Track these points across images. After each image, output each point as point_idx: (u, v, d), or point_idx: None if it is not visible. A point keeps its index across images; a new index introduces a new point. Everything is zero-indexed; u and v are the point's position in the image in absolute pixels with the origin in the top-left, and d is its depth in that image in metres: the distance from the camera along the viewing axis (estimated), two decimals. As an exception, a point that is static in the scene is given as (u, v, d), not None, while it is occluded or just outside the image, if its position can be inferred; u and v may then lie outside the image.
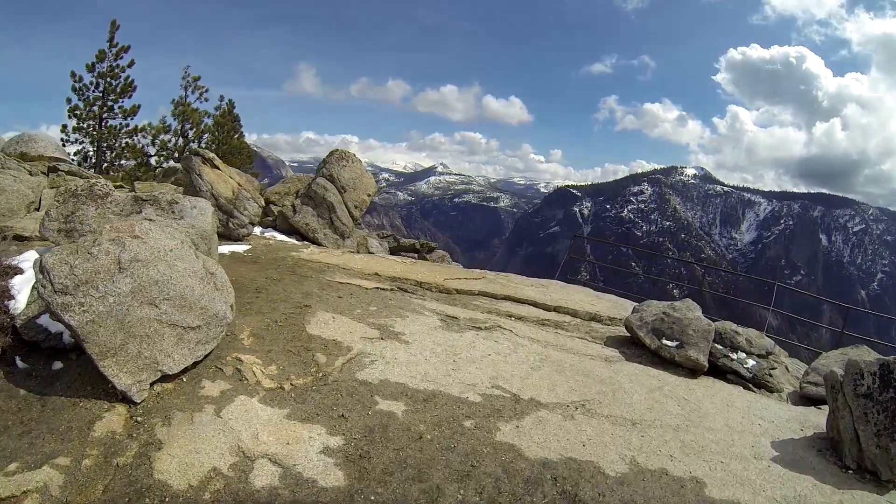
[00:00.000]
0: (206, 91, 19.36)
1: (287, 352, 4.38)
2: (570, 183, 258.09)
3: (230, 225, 8.96)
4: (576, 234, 11.06)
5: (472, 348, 4.84)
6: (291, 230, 10.43)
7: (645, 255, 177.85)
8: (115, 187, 10.54)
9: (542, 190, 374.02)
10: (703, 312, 5.70)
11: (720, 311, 8.58)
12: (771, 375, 4.98)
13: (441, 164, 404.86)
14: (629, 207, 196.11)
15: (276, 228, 10.56)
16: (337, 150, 11.86)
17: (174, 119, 18.74)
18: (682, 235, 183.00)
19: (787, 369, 5.87)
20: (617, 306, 7.18)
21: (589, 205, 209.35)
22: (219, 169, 9.33)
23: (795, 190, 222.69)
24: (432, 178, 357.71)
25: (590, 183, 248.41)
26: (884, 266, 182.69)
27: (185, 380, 3.81)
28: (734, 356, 5.06)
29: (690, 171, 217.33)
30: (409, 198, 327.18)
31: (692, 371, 4.87)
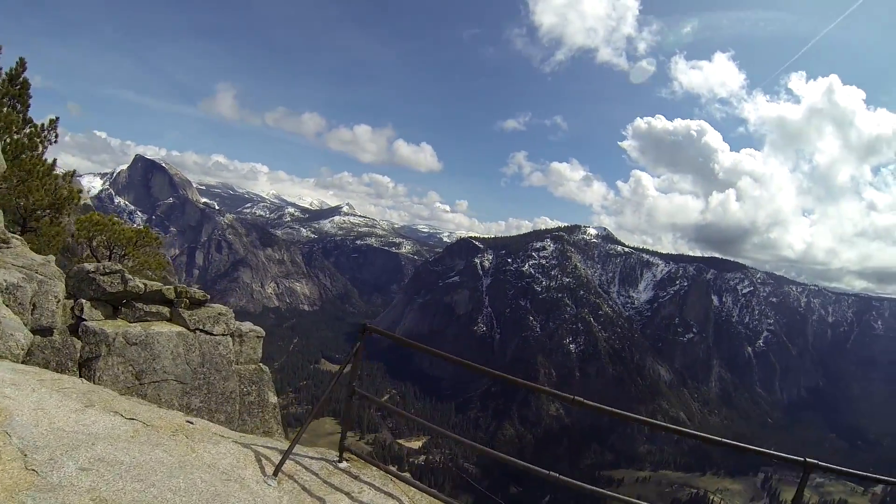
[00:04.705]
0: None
1: None
2: (473, 234, 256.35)
3: None
4: (367, 325, 3.68)
5: None
6: None
7: (543, 310, 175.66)
8: None
9: (446, 239, 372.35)
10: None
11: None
12: None
13: (347, 204, 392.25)
14: (530, 262, 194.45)
15: None
16: None
17: None
18: (582, 292, 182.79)
19: None
20: None
21: (490, 257, 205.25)
22: None
23: (691, 253, 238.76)
24: (337, 218, 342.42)
25: (493, 236, 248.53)
26: (769, 325, 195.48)
27: None
28: None
29: (593, 231, 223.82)
30: (313, 235, 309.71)
31: None
